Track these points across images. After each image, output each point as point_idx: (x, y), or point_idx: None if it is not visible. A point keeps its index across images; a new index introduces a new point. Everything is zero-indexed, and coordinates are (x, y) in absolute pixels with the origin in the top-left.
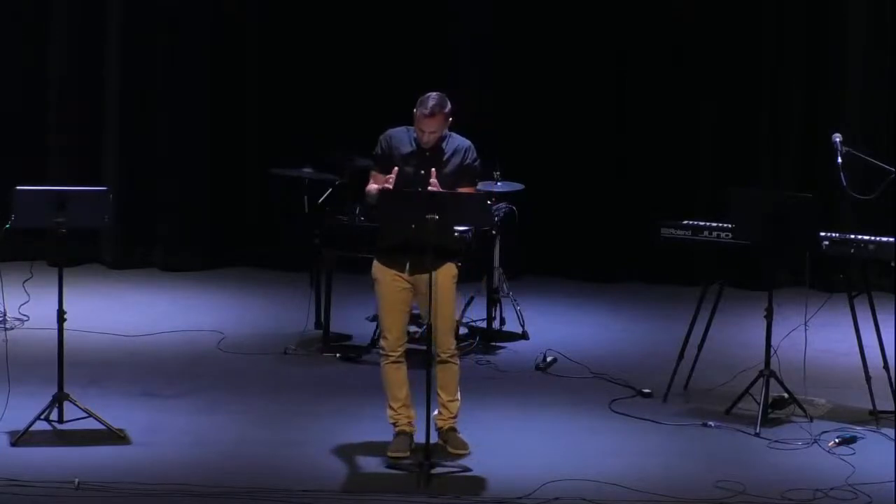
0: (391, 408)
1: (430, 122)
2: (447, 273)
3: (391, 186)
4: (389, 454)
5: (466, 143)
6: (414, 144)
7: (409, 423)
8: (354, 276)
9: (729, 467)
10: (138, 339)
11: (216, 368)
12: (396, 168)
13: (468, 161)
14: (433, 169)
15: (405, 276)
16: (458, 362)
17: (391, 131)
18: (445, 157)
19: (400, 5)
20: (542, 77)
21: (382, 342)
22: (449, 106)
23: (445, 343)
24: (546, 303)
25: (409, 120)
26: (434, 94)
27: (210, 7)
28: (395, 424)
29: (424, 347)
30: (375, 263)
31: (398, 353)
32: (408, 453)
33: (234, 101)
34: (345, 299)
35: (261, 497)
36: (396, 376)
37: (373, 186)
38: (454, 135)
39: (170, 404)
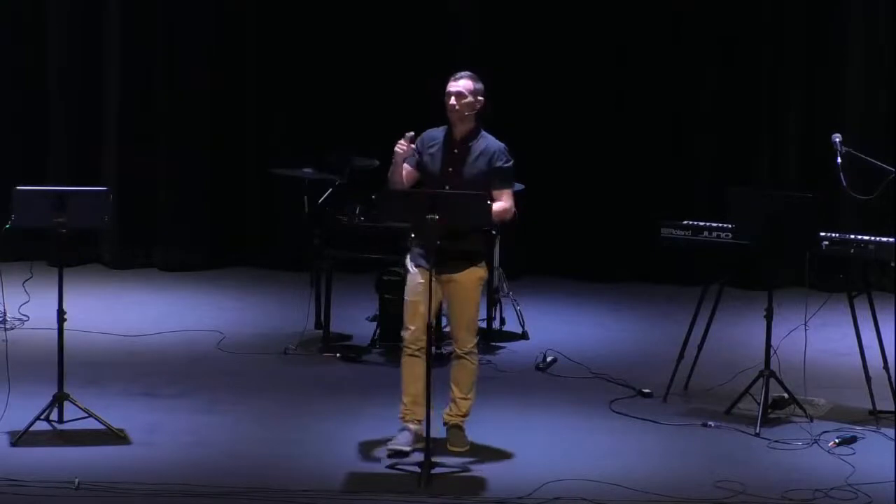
0: (402, 402)
1: (457, 83)
2: (472, 275)
3: (404, 149)
4: (388, 447)
5: (498, 145)
6: (444, 142)
7: (417, 420)
8: (354, 276)
9: (729, 467)
10: (138, 339)
11: (216, 368)
12: (411, 133)
13: (499, 164)
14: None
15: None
16: (475, 361)
17: (427, 131)
18: (472, 156)
19: (399, 6)
20: (541, 77)
21: (403, 333)
22: (480, 85)
23: (462, 340)
24: (546, 303)
25: (408, 120)
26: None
27: (210, 7)
28: (402, 419)
29: (433, 348)
30: (408, 258)
31: (415, 347)
32: (410, 449)
33: (234, 102)
34: (345, 299)
35: (261, 497)
36: (412, 370)
37: (392, 171)
38: (488, 136)
39: (170, 404)
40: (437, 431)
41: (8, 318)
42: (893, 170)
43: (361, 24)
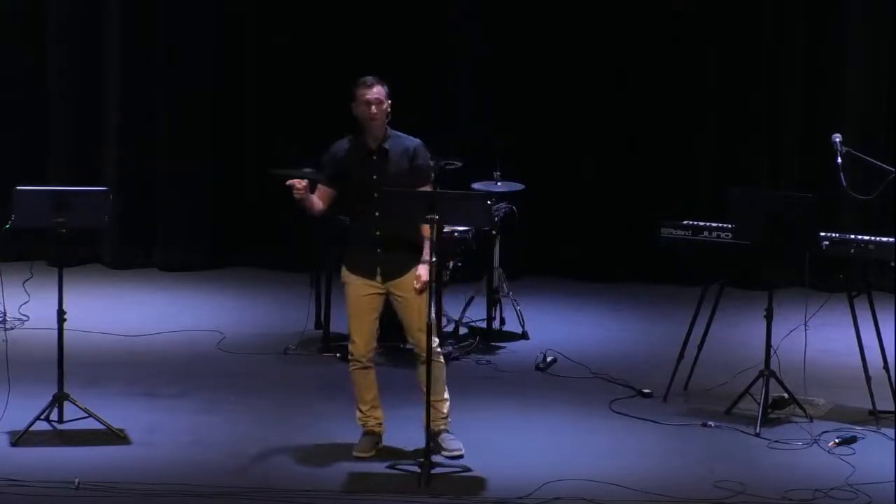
0: (359, 410)
1: (372, 90)
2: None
3: (301, 192)
4: (355, 454)
5: (415, 142)
6: (354, 148)
7: (378, 423)
8: None
9: (729, 467)
10: (138, 339)
11: (216, 368)
12: (305, 183)
13: (418, 162)
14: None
15: (377, 283)
16: (440, 360)
17: (334, 144)
18: (394, 157)
19: (399, 6)
20: (541, 77)
21: (350, 347)
22: (386, 88)
23: (422, 343)
24: (546, 303)
25: (409, 119)
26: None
27: (210, 7)
28: (363, 425)
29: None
30: (344, 269)
31: (366, 360)
32: (373, 453)
33: (235, 101)
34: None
35: (261, 497)
36: (365, 381)
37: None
38: (400, 134)
39: (170, 404)
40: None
41: (8, 318)
42: (893, 170)
43: (361, 24)
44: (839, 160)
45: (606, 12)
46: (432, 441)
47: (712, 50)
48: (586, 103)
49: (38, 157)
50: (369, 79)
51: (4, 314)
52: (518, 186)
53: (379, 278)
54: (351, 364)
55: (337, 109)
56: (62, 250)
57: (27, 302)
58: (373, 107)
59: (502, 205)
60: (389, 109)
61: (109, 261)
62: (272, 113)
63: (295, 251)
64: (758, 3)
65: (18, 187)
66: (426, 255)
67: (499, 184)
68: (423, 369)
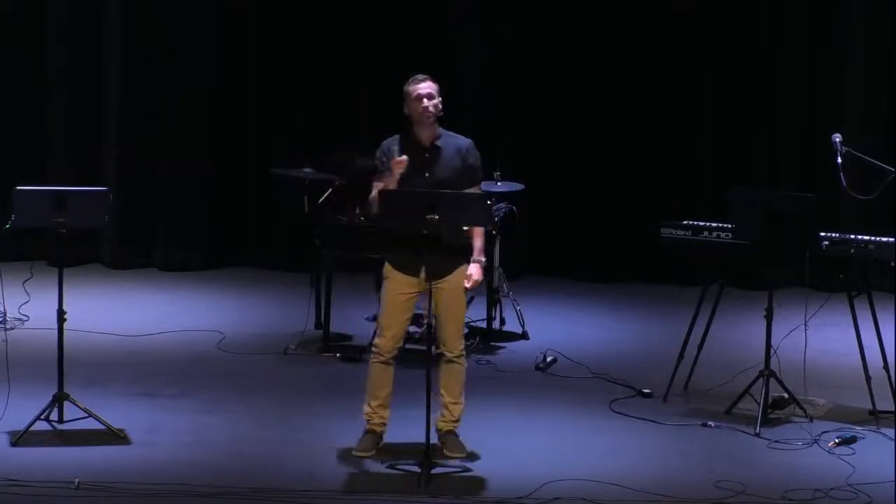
0: (369, 405)
1: (424, 85)
2: (462, 273)
3: (399, 173)
4: (355, 453)
5: (467, 141)
6: (406, 145)
7: (382, 423)
8: (354, 276)
9: (729, 467)
10: (138, 339)
11: (216, 368)
12: (405, 157)
13: (471, 162)
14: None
15: (420, 280)
16: (464, 364)
17: (385, 142)
18: (446, 156)
19: (399, 6)
20: (542, 77)
21: (378, 340)
22: (437, 85)
23: (452, 344)
24: (546, 303)
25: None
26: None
27: (210, 7)
28: (368, 422)
29: (425, 347)
30: (388, 264)
31: (389, 356)
32: (373, 453)
33: (235, 102)
34: (345, 299)
35: (261, 497)
36: (383, 376)
37: (375, 193)
38: (451, 133)
39: (170, 404)
40: (435, 433)
41: (8, 318)
42: (893, 170)
43: (361, 24)
44: (839, 160)
45: (607, 13)
46: (440, 440)
47: (713, 50)
48: (586, 103)
49: (38, 157)
50: (420, 76)
51: (4, 314)
52: (518, 186)
53: (423, 275)
54: (373, 357)
55: (337, 110)
56: (62, 250)
57: (27, 302)
58: (425, 100)
59: (502, 205)
60: (441, 106)
61: (109, 261)
62: (272, 113)
63: (295, 251)
64: (758, 3)
65: (18, 187)
66: (477, 254)
67: (499, 184)
68: (445, 369)
